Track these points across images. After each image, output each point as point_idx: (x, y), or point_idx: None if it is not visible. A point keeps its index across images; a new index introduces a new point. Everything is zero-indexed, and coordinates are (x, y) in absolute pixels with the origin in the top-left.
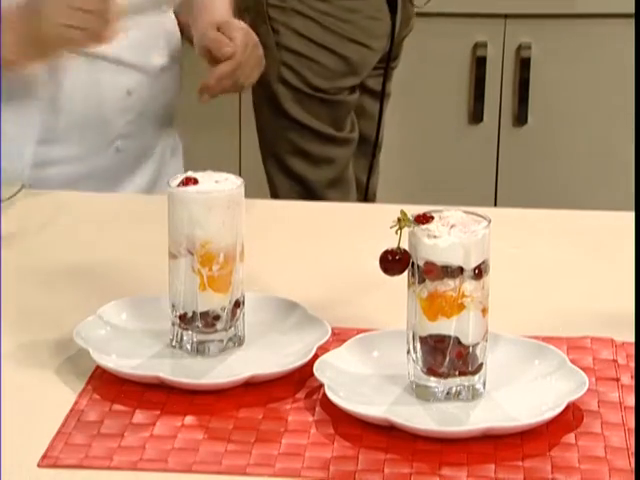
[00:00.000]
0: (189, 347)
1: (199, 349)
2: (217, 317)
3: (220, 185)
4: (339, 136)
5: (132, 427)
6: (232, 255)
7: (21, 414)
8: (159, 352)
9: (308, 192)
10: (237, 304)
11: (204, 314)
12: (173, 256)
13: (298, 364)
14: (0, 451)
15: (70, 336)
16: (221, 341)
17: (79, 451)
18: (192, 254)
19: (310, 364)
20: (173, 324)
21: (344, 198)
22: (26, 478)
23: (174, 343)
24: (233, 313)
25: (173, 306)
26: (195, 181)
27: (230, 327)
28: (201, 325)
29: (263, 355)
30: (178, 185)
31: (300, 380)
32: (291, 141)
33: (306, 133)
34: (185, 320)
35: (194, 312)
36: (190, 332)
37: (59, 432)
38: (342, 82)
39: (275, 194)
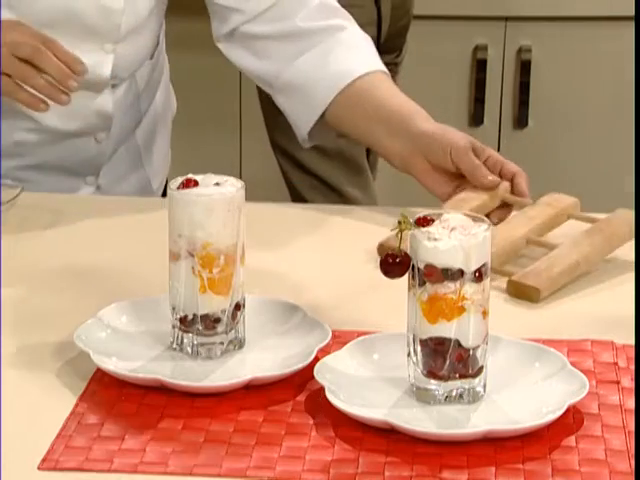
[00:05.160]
0: (189, 350)
1: (200, 352)
2: (217, 320)
3: (221, 187)
4: None
5: (132, 430)
6: (232, 257)
7: (21, 417)
8: (159, 355)
9: (327, 187)
10: (237, 307)
11: (204, 317)
12: (173, 258)
13: (298, 367)
14: (0, 454)
15: (70, 339)
16: (222, 344)
17: (79, 454)
18: (192, 256)
19: (310, 367)
20: (173, 327)
21: (364, 192)
22: None
23: (174, 346)
24: (233, 316)
25: (173, 308)
26: (196, 183)
27: (230, 330)
28: (201, 328)
29: (263, 358)
30: (179, 187)
31: (300, 383)
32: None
33: None
34: (185, 323)
35: (194, 314)
36: (190, 335)
37: (59, 435)
38: None
39: (294, 191)
